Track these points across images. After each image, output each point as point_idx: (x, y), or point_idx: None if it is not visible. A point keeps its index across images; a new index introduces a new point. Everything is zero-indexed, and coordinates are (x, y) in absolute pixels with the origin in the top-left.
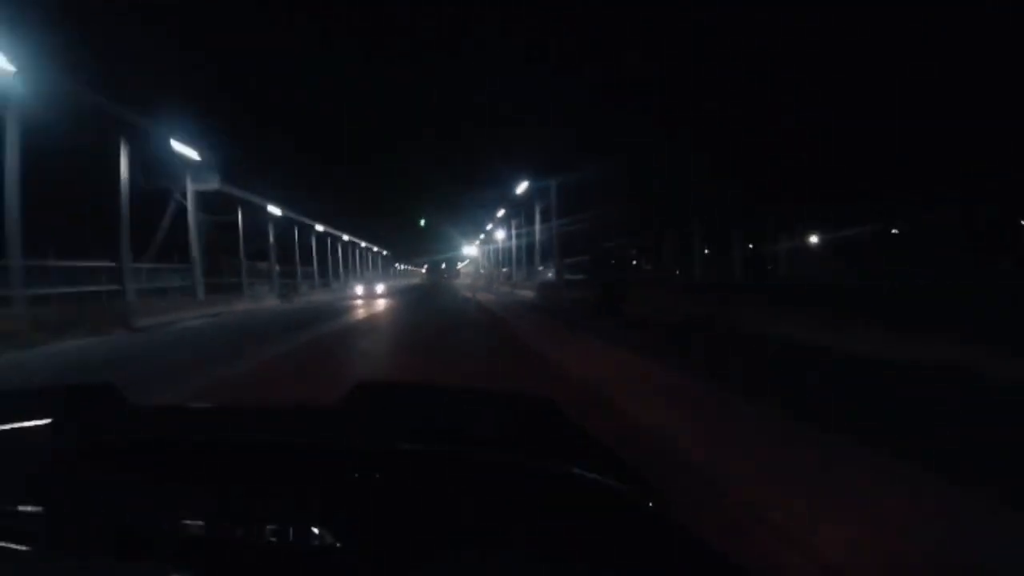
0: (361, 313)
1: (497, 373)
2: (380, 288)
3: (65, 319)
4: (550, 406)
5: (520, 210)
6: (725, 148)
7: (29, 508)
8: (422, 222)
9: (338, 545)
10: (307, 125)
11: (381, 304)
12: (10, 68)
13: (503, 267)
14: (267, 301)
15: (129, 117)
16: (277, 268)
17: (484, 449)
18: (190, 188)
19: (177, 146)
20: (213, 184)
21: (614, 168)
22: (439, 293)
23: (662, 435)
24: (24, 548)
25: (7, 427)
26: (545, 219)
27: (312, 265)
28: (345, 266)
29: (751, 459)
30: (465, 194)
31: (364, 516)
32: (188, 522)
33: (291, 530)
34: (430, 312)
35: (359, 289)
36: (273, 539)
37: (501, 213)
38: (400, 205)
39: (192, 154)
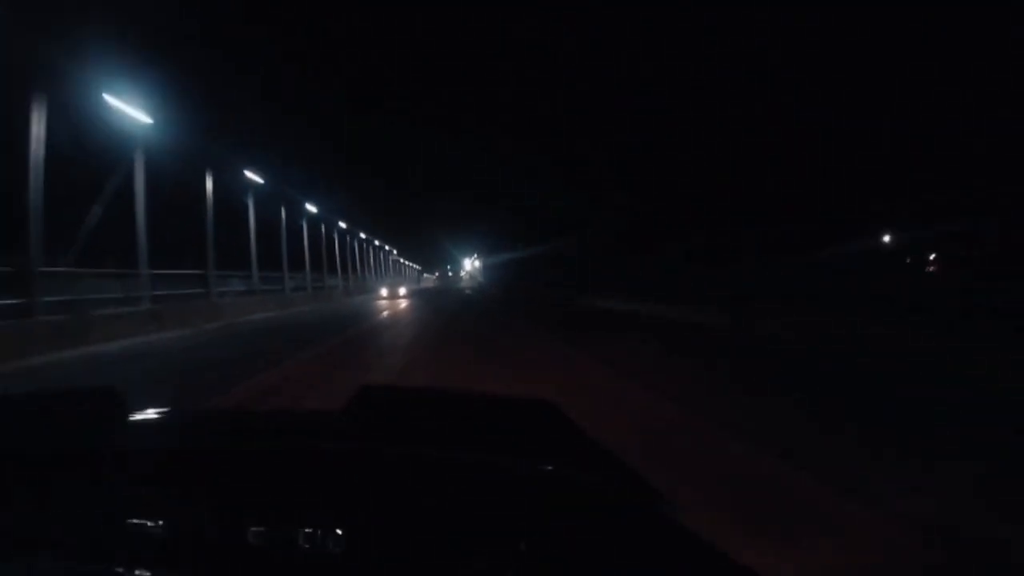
0: (412, 291)
1: (455, 296)
2: (403, 290)
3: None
4: (551, 409)
5: (488, 246)
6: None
7: (29, 514)
8: (448, 268)
9: (340, 548)
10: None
11: (423, 289)
12: (147, 120)
13: (481, 276)
14: (341, 299)
15: (217, 156)
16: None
17: (485, 452)
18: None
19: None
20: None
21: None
22: (448, 287)
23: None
24: (26, 555)
25: (7, 432)
26: (492, 253)
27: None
28: (394, 273)
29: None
30: (468, 229)
31: (366, 519)
32: (186, 527)
33: (294, 534)
34: (445, 289)
35: (383, 291)
36: (275, 543)
37: (482, 244)
38: (426, 231)
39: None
